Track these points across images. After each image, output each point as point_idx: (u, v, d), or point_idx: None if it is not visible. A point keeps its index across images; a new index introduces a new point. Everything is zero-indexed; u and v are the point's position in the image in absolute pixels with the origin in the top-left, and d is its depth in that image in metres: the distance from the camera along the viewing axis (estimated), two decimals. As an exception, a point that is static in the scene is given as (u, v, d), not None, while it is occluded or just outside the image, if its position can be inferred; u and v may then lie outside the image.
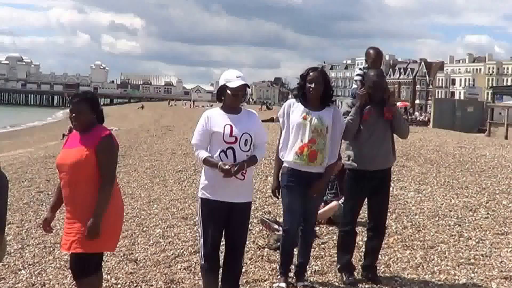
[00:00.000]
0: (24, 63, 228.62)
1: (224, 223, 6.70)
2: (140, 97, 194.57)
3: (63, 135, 46.98)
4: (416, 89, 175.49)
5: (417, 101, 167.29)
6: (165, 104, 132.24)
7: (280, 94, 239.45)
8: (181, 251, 9.15)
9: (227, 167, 6.38)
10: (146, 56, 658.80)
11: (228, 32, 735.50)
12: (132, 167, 19.21)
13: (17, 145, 38.24)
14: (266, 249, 9.08)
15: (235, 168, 6.39)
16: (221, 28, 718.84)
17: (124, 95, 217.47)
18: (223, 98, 6.79)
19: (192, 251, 9.05)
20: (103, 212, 6.06)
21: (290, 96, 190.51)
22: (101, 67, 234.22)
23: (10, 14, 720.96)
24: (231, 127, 6.56)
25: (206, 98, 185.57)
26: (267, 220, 10.09)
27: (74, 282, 6.69)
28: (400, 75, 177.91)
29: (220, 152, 6.51)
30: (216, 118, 6.66)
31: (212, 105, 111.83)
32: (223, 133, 6.53)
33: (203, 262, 6.79)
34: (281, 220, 9.08)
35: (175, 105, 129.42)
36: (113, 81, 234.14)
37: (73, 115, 6.21)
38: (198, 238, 7.41)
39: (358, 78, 9.17)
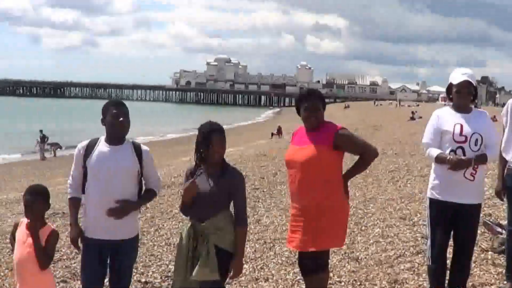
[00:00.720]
0: (232, 64, 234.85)
1: (452, 224, 6.58)
2: (345, 97, 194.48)
3: (272, 134, 48.10)
4: None
5: None
6: (370, 104, 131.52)
7: (488, 94, 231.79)
8: (403, 251, 9.05)
9: (455, 158, 6.29)
10: (349, 55, 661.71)
11: (432, 31, 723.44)
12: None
13: (228, 144, 39.21)
14: (490, 252, 8.77)
15: (463, 161, 6.29)
16: (425, 27, 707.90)
17: (329, 95, 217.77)
18: (451, 96, 6.68)
19: (414, 252, 8.93)
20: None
21: (497, 96, 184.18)
22: (307, 67, 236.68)
23: (218, 17, 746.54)
24: (461, 126, 6.43)
25: (411, 98, 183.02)
26: (490, 223, 9.77)
27: (303, 278, 6.73)
28: None
29: (450, 151, 6.41)
30: (446, 117, 6.56)
31: (418, 105, 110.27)
32: (453, 132, 6.43)
33: (430, 263, 6.71)
34: (503, 222, 8.79)
35: (380, 104, 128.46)
36: (318, 81, 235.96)
37: (310, 112, 6.30)
38: (425, 238, 7.31)
39: None
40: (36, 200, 5.65)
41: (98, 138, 6.09)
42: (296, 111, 6.51)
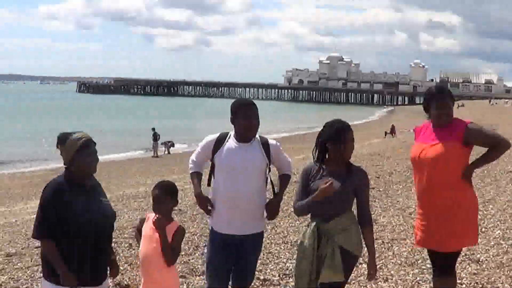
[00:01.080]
0: (344, 63, 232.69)
1: None
2: (459, 96, 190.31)
3: (385, 133, 47.72)
4: None
5: None
6: (485, 103, 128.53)
7: None
8: (525, 254, 8.84)
9: None
10: (464, 53, 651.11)
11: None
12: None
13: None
14: None
15: None
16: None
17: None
18: None
19: (537, 255, 8.71)
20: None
21: None
22: (420, 65, 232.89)
23: (329, 16, 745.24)
24: None
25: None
26: None
27: (437, 279, 6.58)
28: None
29: None
30: None
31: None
32: None
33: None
34: None
35: (496, 103, 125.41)
36: (432, 80, 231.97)
37: (441, 110, 6.22)
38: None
39: None
40: (165, 195, 5.75)
41: (228, 133, 6.18)
42: (424, 109, 6.42)
